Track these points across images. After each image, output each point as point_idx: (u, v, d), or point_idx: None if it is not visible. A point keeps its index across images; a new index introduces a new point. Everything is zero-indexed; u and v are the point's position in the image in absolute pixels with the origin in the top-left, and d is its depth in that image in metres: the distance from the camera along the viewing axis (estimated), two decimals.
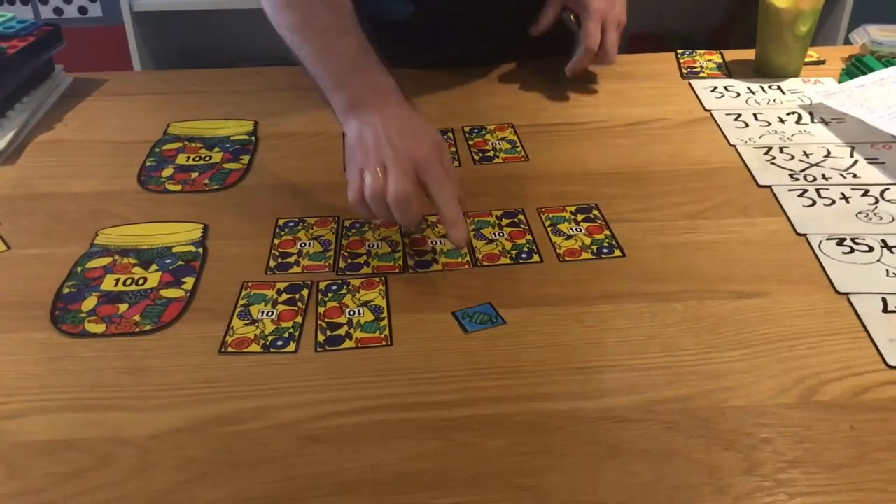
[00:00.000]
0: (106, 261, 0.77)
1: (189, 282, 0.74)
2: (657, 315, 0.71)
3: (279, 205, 0.86)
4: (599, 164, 0.93)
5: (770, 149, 0.95)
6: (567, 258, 0.78)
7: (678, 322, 0.70)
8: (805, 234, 0.81)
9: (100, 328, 0.69)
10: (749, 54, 1.17)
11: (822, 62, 1.16)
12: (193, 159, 0.95)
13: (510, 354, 0.67)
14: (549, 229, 0.81)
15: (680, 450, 0.59)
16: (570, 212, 0.84)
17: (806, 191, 0.87)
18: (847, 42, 1.18)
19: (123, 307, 0.71)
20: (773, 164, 0.92)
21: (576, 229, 0.81)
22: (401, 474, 0.57)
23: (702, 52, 1.21)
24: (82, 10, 2.10)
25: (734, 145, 0.96)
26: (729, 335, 0.69)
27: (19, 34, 1.06)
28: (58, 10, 2.09)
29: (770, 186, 0.88)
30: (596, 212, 0.84)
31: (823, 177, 0.90)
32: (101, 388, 0.65)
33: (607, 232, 0.81)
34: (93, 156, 0.96)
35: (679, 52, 1.21)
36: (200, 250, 0.78)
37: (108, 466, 0.58)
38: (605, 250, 0.78)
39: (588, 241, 0.80)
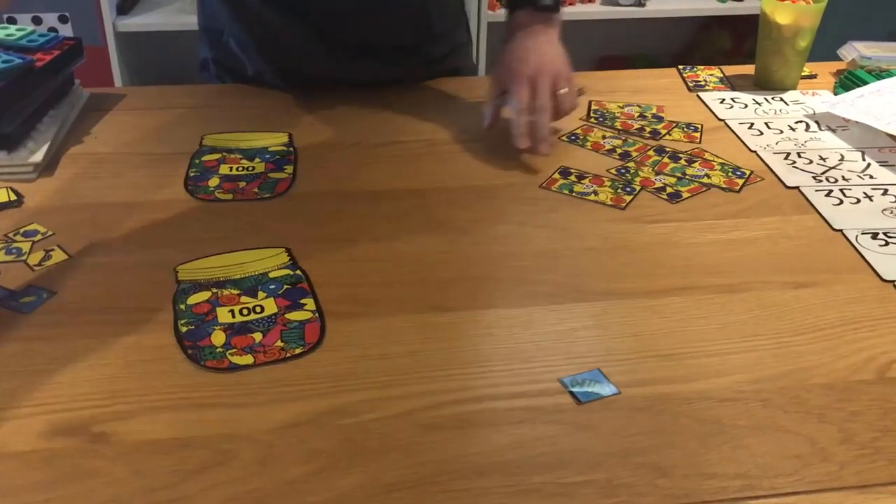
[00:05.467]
0: (206, 295, 0.74)
1: (309, 302, 0.74)
2: (725, 305, 0.75)
3: (345, 210, 0.88)
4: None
5: (788, 154, 1.01)
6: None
7: (746, 311, 0.74)
8: (841, 230, 0.86)
9: (247, 359, 0.67)
10: (746, 69, 1.24)
11: (814, 76, 1.24)
12: (236, 169, 0.95)
13: (600, 343, 0.70)
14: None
15: (780, 424, 0.62)
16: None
17: (831, 191, 0.93)
18: (836, 58, 1.25)
19: (258, 336, 0.70)
20: (794, 167, 0.98)
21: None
22: (525, 457, 0.59)
23: (701, 67, 1.27)
24: (52, 30, 2.07)
25: (755, 151, 1.02)
26: (795, 321, 0.73)
27: (43, 47, 1.04)
28: None
29: (798, 187, 0.94)
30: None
31: (843, 178, 0.96)
32: (202, 387, 0.65)
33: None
34: (131, 167, 0.96)
35: (681, 67, 1.26)
36: (298, 272, 0.78)
37: (232, 461, 0.58)
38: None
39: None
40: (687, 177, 0.96)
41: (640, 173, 0.96)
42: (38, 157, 0.94)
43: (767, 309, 0.74)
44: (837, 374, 0.67)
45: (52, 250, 0.80)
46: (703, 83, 1.21)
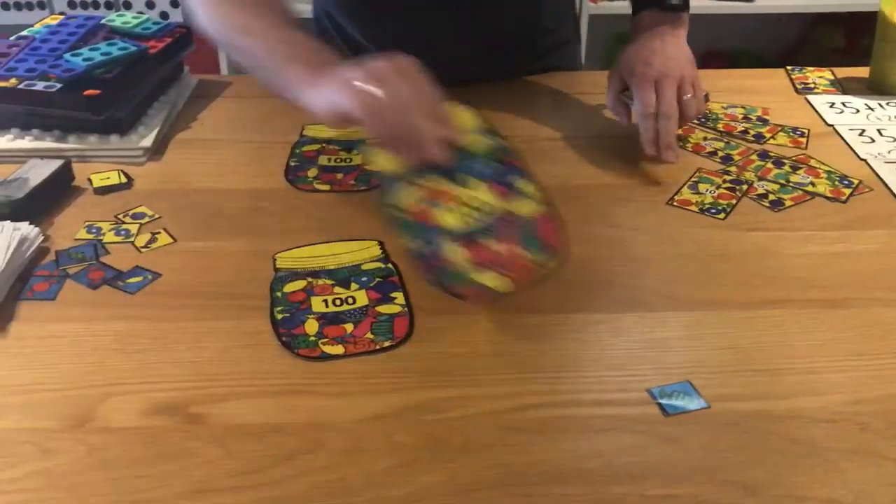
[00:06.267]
0: (301, 283, 0.76)
1: (399, 296, 0.75)
2: (825, 321, 0.72)
3: None
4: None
5: None
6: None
7: (848, 328, 0.72)
8: None
9: (338, 349, 0.69)
10: (859, 71, 1.19)
11: None
12: (335, 161, 0.97)
13: (690, 354, 0.69)
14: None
15: (878, 450, 0.60)
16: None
17: None
18: None
19: (349, 326, 0.71)
20: None
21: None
22: (609, 466, 0.59)
23: (811, 68, 1.22)
24: (163, 14, 2.14)
25: (864, 159, 0.98)
26: None
27: (156, 35, 1.09)
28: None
29: None
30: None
31: None
32: (294, 375, 0.67)
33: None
34: (235, 154, 0.99)
35: (789, 67, 1.22)
36: (390, 265, 0.79)
37: (320, 449, 0.60)
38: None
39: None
40: (791, 184, 0.93)
41: (742, 178, 0.93)
42: (148, 141, 0.98)
43: (871, 327, 0.71)
44: None
45: (158, 233, 0.84)
46: (812, 85, 1.17)
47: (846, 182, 0.93)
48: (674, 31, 1.01)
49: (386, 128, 0.71)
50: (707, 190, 0.91)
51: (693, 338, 0.70)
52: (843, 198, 0.90)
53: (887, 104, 1.11)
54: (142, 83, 1.02)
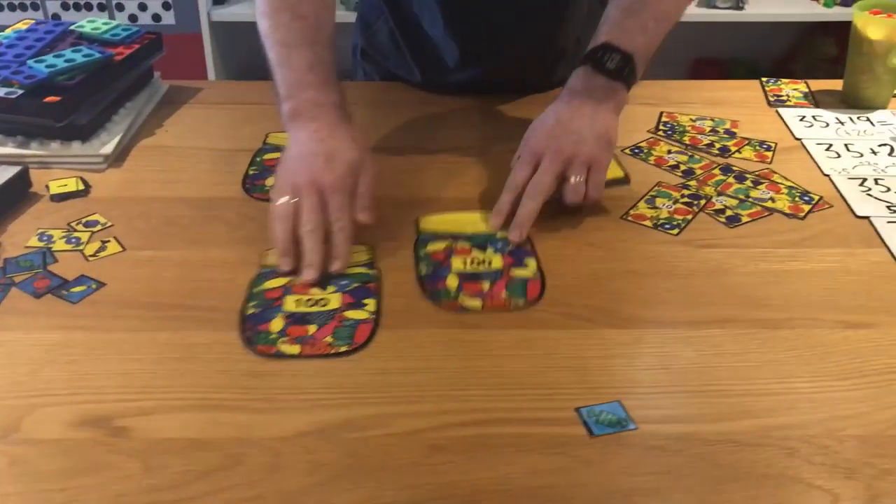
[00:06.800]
0: (283, 281, 0.77)
1: (371, 303, 0.75)
2: (766, 342, 0.72)
3: (398, 217, 0.88)
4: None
5: (865, 180, 0.95)
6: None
7: (788, 349, 0.71)
8: None
9: (295, 349, 0.70)
10: (834, 84, 1.18)
11: None
12: None
13: (623, 375, 0.68)
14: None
15: (801, 476, 0.59)
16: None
17: None
18: None
19: (313, 328, 0.72)
20: (868, 195, 0.93)
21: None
22: (528, 488, 0.58)
23: (786, 80, 1.21)
24: (156, 17, 2.15)
25: (828, 175, 0.97)
26: (841, 364, 0.69)
27: (124, 41, 1.09)
28: (132, 17, 2.14)
29: (868, 218, 0.89)
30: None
31: None
32: (225, 389, 0.67)
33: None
34: (195, 161, 0.99)
35: (764, 79, 1.21)
36: (374, 272, 0.79)
37: (240, 466, 0.60)
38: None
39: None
40: (750, 199, 0.92)
41: (701, 192, 0.93)
42: (109, 148, 0.98)
43: (812, 349, 0.71)
44: (876, 427, 0.63)
45: (108, 242, 0.84)
46: (784, 98, 1.16)
47: (807, 198, 0.92)
48: (598, 103, 0.89)
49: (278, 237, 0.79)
50: (664, 205, 0.91)
51: (629, 356, 0.70)
52: (802, 214, 0.90)
53: (858, 118, 1.10)
54: (106, 90, 1.02)
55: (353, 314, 0.74)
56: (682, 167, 0.98)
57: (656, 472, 0.59)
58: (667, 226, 0.87)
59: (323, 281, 0.77)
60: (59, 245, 0.83)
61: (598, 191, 0.86)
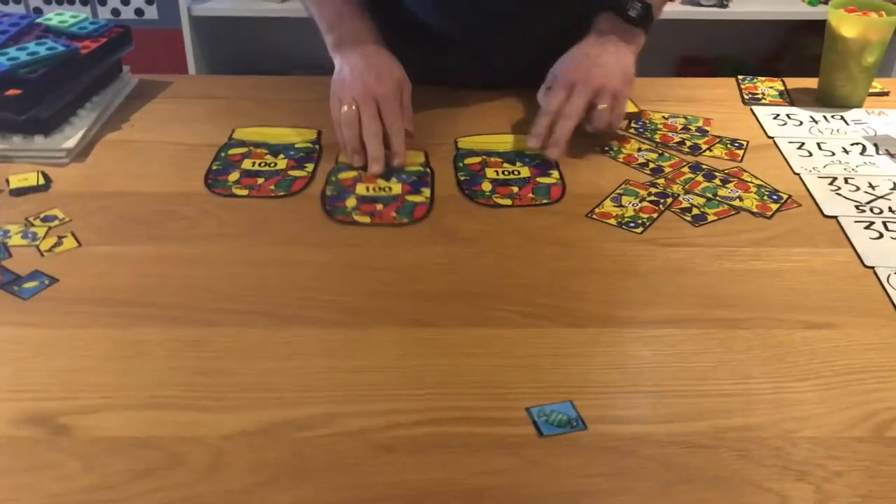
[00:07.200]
0: (353, 173, 0.94)
1: (426, 191, 0.90)
2: (724, 342, 0.71)
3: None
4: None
5: (835, 179, 0.94)
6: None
7: (746, 349, 0.70)
8: (873, 267, 0.80)
9: (366, 219, 0.86)
10: (810, 82, 1.17)
11: (886, 93, 1.15)
12: (259, 165, 0.96)
13: (577, 374, 0.67)
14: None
15: (752, 478, 0.58)
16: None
17: (873, 223, 0.86)
18: None
19: (380, 206, 0.88)
20: (838, 194, 0.92)
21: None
22: (473, 489, 0.57)
23: (763, 78, 1.20)
24: (139, 11, 2.14)
25: (798, 174, 0.96)
26: (799, 365, 0.68)
27: (92, 35, 1.08)
28: (115, 12, 2.13)
29: (836, 217, 0.88)
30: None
31: (890, 210, 0.89)
32: (172, 386, 0.66)
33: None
34: (160, 157, 0.98)
35: (740, 77, 1.20)
36: (428, 170, 0.95)
37: (181, 465, 0.59)
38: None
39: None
40: (717, 198, 0.91)
41: (668, 190, 0.92)
42: (72, 142, 0.97)
43: (769, 349, 0.70)
44: (830, 428, 0.62)
45: (65, 237, 0.83)
46: (760, 96, 1.15)
47: (775, 197, 0.91)
48: (620, 43, 1.00)
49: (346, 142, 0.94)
50: (630, 203, 0.90)
51: (584, 356, 0.69)
52: (769, 214, 0.89)
53: (832, 117, 1.09)
54: (71, 83, 1.01)
55: (412, 198, 0.89)
56: (651, 165, 0.97)
57: (605, 474, 0.59)
58: (631, 224, 0.86)
59: (386, 174, 0.92)
60: (15, 240, 0.82)
61: (620, 120, 0.99)
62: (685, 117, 1.08)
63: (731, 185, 0.93)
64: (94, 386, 0.65)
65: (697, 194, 0.92)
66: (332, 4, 1.02)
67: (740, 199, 0.91)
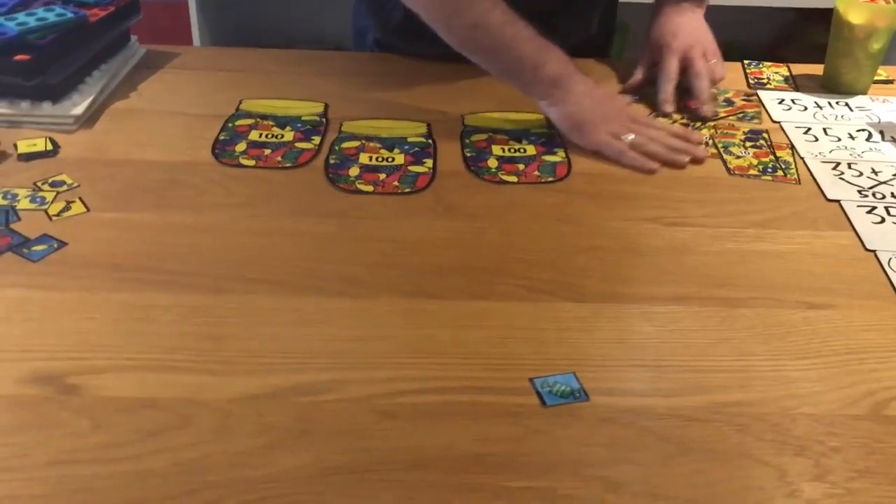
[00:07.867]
0: (356, 143, 0.96)
1: (428, 161, 0.92)
2: (725, 320, 0.72)
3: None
4: (667, 169, 0.93)
5: (839, 164, 0.95)
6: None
7: (747, 328, 0.71)
8: (874, 251, 0.81)
9: (369, 188, 0.87)
10: (815, 68, 1.17)
11: (891, 81, 1.16)
12: (266, 136, 0.96)
13: (578, 347, 0.68)
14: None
15: (750, 452, 0.59)
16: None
17: (875, 208, 0.87)
18: None
19: (382, 175, 0.89)
20: (841, 179, 0.92)
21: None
22: (474, 455, 0.58)
23: (768, 63, 1.21)
24: None
25: (803, 158, 0.96)
26: (798, 344, 0.69)
27: (100, 3, 1.07)
28: None
29: (839, 201, 0.88)
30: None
31: (893, 195, 0.89)
32: (180, 350, 0.66)
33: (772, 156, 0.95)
34: (167, 126, 0.98)
35: (746, 62, 1.20)
36: (430, 140, 0.96)
37: (189, 426, 0.60)
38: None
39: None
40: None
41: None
42: (80, 109, 0.97)
43: (770, 328, 0.71)
44: (828, 406, 0.63)
45: (73, 202, 0.83)
46: (765, 81, 1.15)
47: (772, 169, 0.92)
48: (694, 9, 1.13)
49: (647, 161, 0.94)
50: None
51: (587, 330, 0.70)
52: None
53: (837, 103, 1.09)
54: (79, 50, 1.01)
55: (415, 168, 0.91)
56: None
57: (605, 444, 0.59)
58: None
59: (389, 145, 0.95)
60: (24, 204, 0.83)
61: (724, 69, 1.12)
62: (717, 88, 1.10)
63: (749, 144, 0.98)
64: (103, 348, 0.66)
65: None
66: (529, 41, 0.95)
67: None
